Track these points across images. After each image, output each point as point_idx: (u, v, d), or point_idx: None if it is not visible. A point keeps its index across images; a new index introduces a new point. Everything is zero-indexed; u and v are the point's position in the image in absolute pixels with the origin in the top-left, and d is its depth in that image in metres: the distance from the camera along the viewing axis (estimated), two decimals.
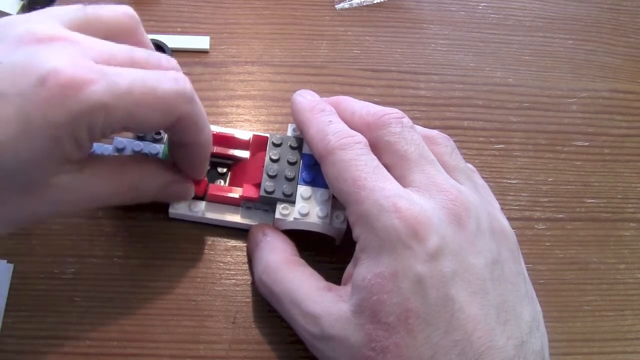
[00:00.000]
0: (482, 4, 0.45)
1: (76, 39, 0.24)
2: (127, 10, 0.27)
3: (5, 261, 0.31)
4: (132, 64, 0.25)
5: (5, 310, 0.30)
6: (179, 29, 0.40)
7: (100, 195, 0.26)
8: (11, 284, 0.30)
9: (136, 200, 0.29)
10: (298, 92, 0.33)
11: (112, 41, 0.25)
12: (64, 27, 0.24)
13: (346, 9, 0.43)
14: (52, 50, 0.23)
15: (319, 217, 0.31)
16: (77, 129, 0.23)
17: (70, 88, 0.22)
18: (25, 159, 0.22)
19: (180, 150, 0.29)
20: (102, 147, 0.33)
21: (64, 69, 0.22)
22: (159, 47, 0.38)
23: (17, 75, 0.22)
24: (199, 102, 0.26)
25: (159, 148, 0.32)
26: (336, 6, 0.43)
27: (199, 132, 0.27)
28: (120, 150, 0.32)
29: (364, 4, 0.43)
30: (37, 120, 0.22)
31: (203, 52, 0.39)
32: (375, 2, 0.44)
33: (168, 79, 0.25)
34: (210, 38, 0.40)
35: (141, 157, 0.31)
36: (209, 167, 0.31)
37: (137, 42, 0.27)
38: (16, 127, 0.22)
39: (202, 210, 0.32)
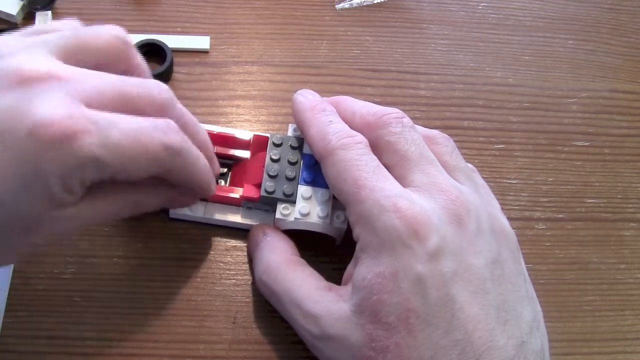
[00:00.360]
0: (482, 4, 0.45)
1: (66, 75, 0.23)
2: (118, 34, 0.26)
3: None
4: (123, 98, 0.24)
5: (5, 310, 0.30)
6: (179, 29, 0.40)
7: (102, 218, 0.26)
8: (11, 284, 0.30)
9: (139, 213, 0.28)
10: (299, 91, 0.33)
11: (105, 66, 0.25)
12: (54, 56, 0.24)
13: (346, 9, 0.43)
14: (42, 96, 0.22)
15: (319, 217, 0.31)
16: (68, 179, 0.22)
17: (62, 139, 0.22)
18: (17, 206, 0.22)
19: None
20: None
21: (55, 120, 0.22)
22: (159, 47, 0.38)
23: (8, 124, 0.22)
24: (190, 149, 0.26)
25: None
26: (336, 6, 0.43)
27: (191, 177, 0.27)
28: None
29: (364, 4, 0.43)
30: (29, 172, 0.22)
31: (203, 52, 0.39)
32: (375, 2, 0.44)
33: (158, 133, 0.24)
34: (210, 38, 0.40)
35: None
36: (214, 189, 0.30)
37: (130, 66, 0.27)
38: (8, 179, 0.22)
39: (203, 210, 0.32)
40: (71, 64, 0.24)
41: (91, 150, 0.22)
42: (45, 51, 0.24)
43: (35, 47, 0.24)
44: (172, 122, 0.25)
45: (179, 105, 0.27)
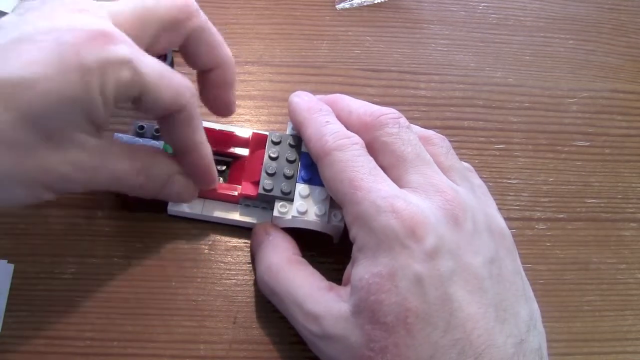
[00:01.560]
0: (482, 4, 0.45)
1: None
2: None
3: (5, 261, 0.31)
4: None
5: (5, 310, 0.30)
6: None
7: (113, 172, 0.27)
8: (11, 284, 0.30)
9: (144, 188, 0.29)
10: (294, 93, 0.33)
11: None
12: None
13: (346, 9, 0.43)
14: (88, 15, 0.25)
15: (316, 215, 0.31)
16: (106, 80, 0.23)
17: (103, 37, 0.24)
18: (55, 100, 0.23)
19: (182, 159, 0.29)
20: None
21: (98, 24, 0.24)
22: None
23: (55, 28, 0.23)
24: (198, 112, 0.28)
25: (159, 144, 0.32)
26: (336, 6, 0.43)
27: (194, 131, 0.28)
28: None
29: (364, 4, 0.43)
30: (71, 60, 0.23)
31: None
32: (375, 2, 0.44)
33: (181, 74, 0.27)
34: None
35: (152, 147, 0.32)
36: (216, 184, 0.32)
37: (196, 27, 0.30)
38: (50, 66, 0.22)
39: (201, 207, 0.32)
40: None
41: (127, 54, 0.24)
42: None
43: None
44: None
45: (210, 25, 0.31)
